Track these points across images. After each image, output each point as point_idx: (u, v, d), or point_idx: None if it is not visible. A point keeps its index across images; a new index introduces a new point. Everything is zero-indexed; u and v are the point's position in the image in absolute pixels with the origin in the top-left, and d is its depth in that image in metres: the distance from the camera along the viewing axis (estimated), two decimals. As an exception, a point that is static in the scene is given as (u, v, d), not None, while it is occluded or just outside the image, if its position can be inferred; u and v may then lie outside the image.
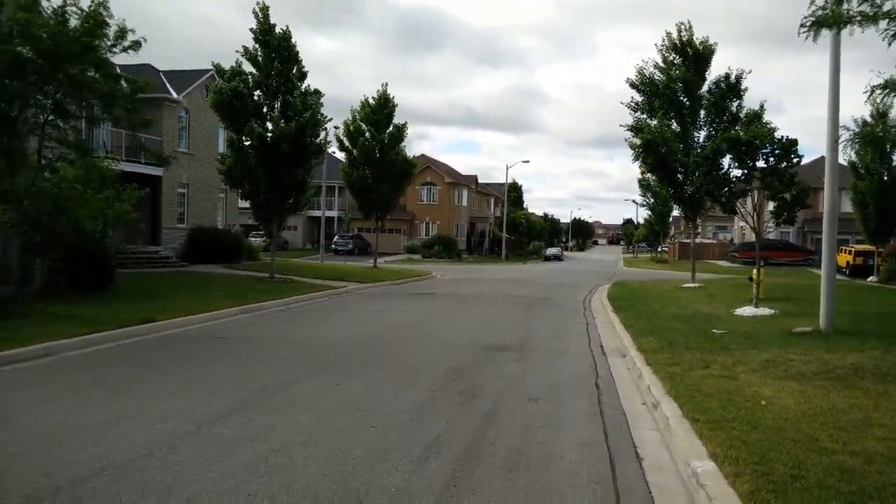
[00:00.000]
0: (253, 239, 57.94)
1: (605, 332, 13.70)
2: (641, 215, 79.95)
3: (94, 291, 15.78)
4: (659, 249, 69.49)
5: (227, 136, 23.21)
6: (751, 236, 58.70)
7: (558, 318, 15.61)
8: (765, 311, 15.14)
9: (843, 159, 34.85)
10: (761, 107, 22.26)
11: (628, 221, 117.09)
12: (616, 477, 5.11)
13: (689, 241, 70.94)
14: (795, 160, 15.24)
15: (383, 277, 27.48)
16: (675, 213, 63.71)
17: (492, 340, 11.73)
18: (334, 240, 55.37)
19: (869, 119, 32.41)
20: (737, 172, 15.21)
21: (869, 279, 34.80)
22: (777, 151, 14.95)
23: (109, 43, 14.65)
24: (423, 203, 62.02)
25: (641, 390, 8.25)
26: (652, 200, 57.40)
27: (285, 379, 8.08)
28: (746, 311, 15.26)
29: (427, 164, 63.27)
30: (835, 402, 7.04)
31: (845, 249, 43.14)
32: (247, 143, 21.91)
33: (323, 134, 22.59)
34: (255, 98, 22.18)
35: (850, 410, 6.67)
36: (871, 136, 12.81)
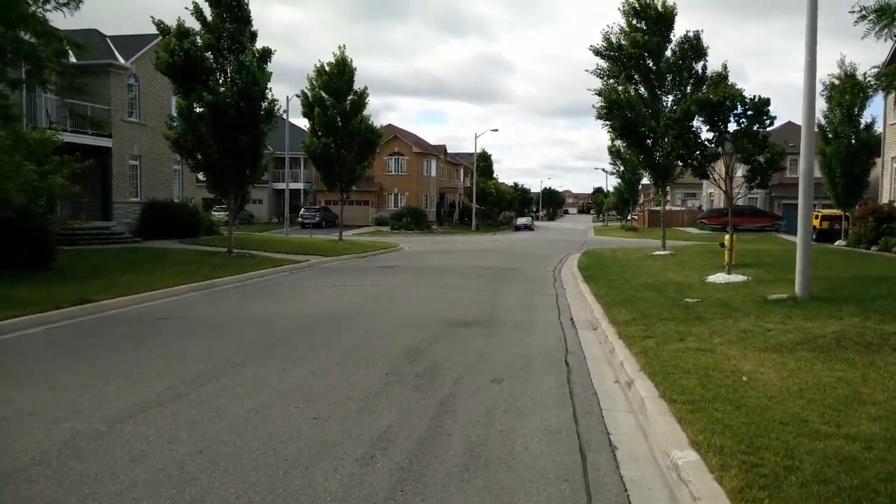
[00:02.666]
0: (216, 213, 56.33)
1: (575, 303, 13.16)
2: (611, 183, 79.91)
3: (32, 270, 14.72)
4: (629, 218, 69.53)
5: (176, 102, 21.88)
6: (719, 203, 58.94)
7: (527, 290, 15.03)
8: (737, 277, 14.74)
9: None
10: (724, 68, 21.83)
11: (598, 190, 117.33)
12: (587, 471, 4.49)
13: (658, 208, 71.12)
14: (768, 122, 14.73)
15: (348, 251, 26.64)
16: (645, 180, 63.70)
17: (457, 315, 11.07)
18: (301, 213, 54.16)
19: (836, 80, 32.43)
20: (708, 135, 14.62)
21: (836, 243, 34.97)
22: (749, 113, 14.40)
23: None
24: (391, 174, 60.87)
25: (614, 367, 7.68)
26: (621, 168, 57.05)
27: (225, 364, 7.32)
28: (719, 278, 14.84)
29: (394, 133, 61.99)
30: (820, 375, 6.53)
31: (812, 214, 43.47)
32: (197, 110, 20.70)
33: (270, 95, 21.38)
34: (206, 61, 20.92)
35: (838, 385, 6.16)
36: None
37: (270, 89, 22.02)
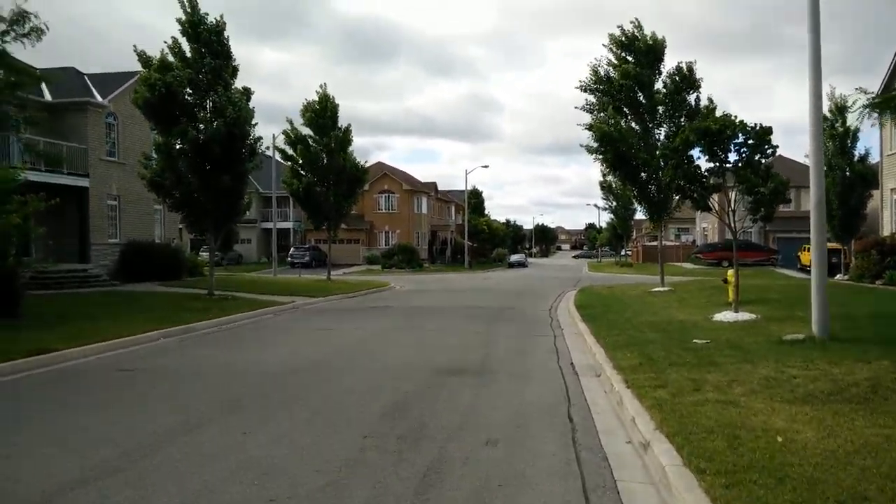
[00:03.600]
0: (203, 254, 55.42)
1: (574, 345, 12.25)
2: (604, 219, 79.61)
3: (-7, 318, 13.72)
4: (622, 253, 68.96)
5: (153, 139, 21.16)
6: (713, 237, 58.49)
7: (523, 332, 14.13)
8: (745, 315, 13.90)
9: (804, 157, 34.44)
10: (710, 101, 21.35)
11: (591, 226, 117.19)
12: (606, 574, 3.56)
13: (652, 243, 70.65)
14: (770, 151, 14.08)
15: (336, 291, 25.69)
16: (639, 215, 63.29)
17: (446, 362, 10.14)
18: (290, 252, 53.26)
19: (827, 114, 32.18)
20: (707, 166, 13.94)
21: (836, 277, 34.31)
22: (750, 142, 13.75)
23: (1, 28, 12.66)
24: (381, 212, 60.24)
25: (624, 423, 6.75)
26: (614, 203, 56.74)
27: (179, 427, 6.35)
28: (725, 316, 13.99)
29: (384, 171, 61.63)
30: (864, 434, 5.63)
31: (807, 248, 42.93)
32: (177, 147, 19.98)
33: (254, 133, 20.75)
34: (187, 96, 20.31)
35: (890, 446, 5.26)
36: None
37: (256, 124, 21.42)
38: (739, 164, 13.84)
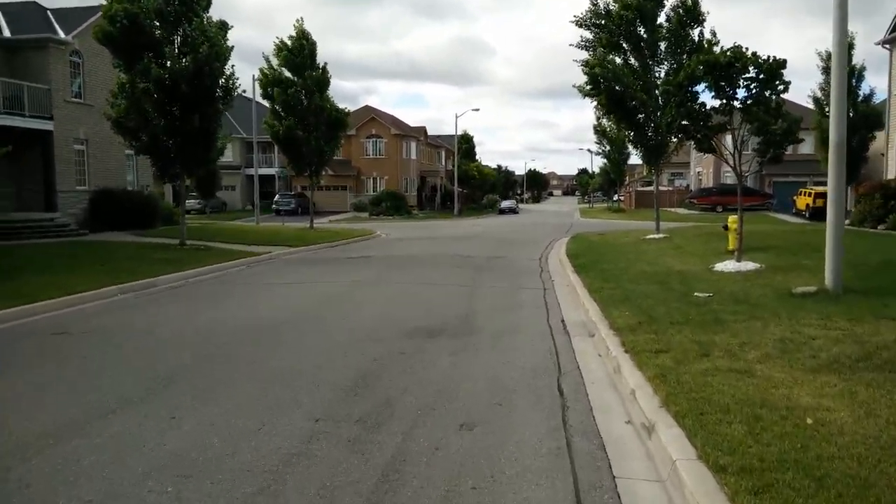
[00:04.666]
0: (187, 202, 54.10)
1: (566, 299, 11.32)
2: (597, 164, 78.29)
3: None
4: (615, 199, 67.86)
5: (116, 77, 19.65)
6: (707, 182, 57.37)
7: (510, 283, 13.18)
8: (748, 265, 12.97)
9: (808, 97, 33.05)
10: (713, 34, 19.83)
11: (583, 171, 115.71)
12: None
13: (645, 188, 69.50)
14: (781, 87, 12.89)
15: (318, 240, 24.62)
16: (633, 160, 61.98)
17: (423, 320, 9.19)
18: (275, 199, 51.90)
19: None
20: (714, 103, 12.75)
21: (833, 222, 33.47)
22: (761, 76, 12.54)
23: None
24: (368, 157, 58.56)
25: (623, 396, 5.84)
26: (608, 148, 55.28)
27: (96, 410, 5.38)
28: (727, 265, 13.06)
29: (371, 115, 59.69)
30: (910, 412, 4.73)
31: (804, 192, 41.94)
32: (141, 86, 18.52)
33: (229, 71, 19.29)
34: (154, 30, 18.73)
35: (946, 431, 4.36)
36: None
37: (233, 66, 19.88)
38: (748, 101, 12.67)
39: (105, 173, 25.78)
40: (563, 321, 9.31)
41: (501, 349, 7.53)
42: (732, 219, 16.48)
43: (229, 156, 57.97)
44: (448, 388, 5.97)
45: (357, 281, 13.53)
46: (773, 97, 12.80)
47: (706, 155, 60.63)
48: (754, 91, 12.69)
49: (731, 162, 12.91)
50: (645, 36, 21.81)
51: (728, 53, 12.27)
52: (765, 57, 12.37)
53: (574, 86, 22.29)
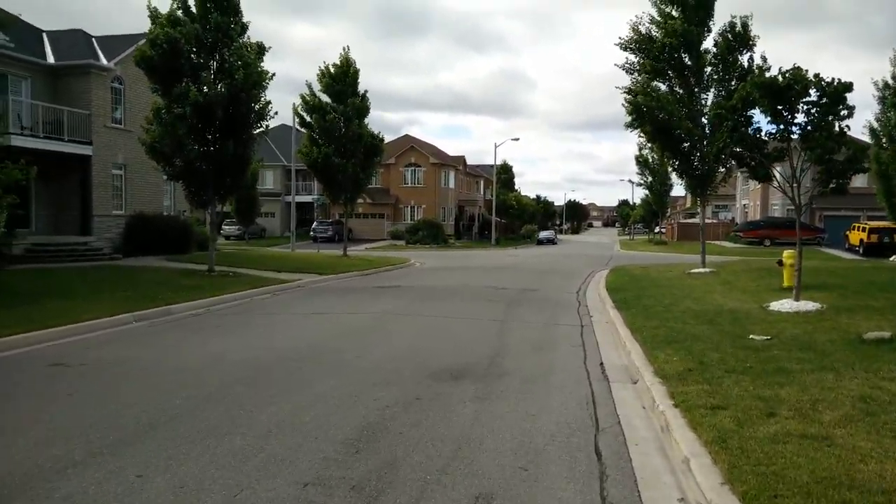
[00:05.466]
0: (226, 227, 54.57)
1: (605, 338, 10.38)
2: (638, 195, 76.73)
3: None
4: (656, 231, 66.14)
5: (152, 102, 19.61)
6: (754, 215, 55.40)
7: (545, 319, 12.28)
8: (807, 304, 11.83)
9: (862, 130, 31.55)
10: (763, 59, 18.69)
11: (624, 202, 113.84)
12: None
13: (689, 220, 67.66)
14: (845, 112, 11.86)
15: (351, 268, 24.08)
16: (675, 191, 60.46)
17: (447, 359, 8.37)
18: (313, 226, 51.86)
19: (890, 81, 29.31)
20: (770, 128, 11.78)
21: (892, 258, 31.58)
22: (823, 101, 11.55)
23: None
24: (407, 186, 58.38)
25: (673, 463, 4.92)
26: (650, 179, 54.07)
27: (62, 459, 4.70)
28: (784, 305, 11.94)
29: (411, 144, 59.68)
30: None
31: (858, 227, 39.94)
32: (177, 111, 18.41)
33: (264, 98, 19.05)
34: (192, 55, 18.67)
35: None
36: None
37: (266, 85, 19.59)
38: (808, 127, 11.66)
39: (142, 198, 25.83)
40: (601, 364, 8.39)
41: (532, 396, 6.66)
42: (788, 253, 15.32)
43: (269, 183, 58.65)
44: (466, 446, 5.14)
45: (383, 312, 12.81)
46: (836, 123, 11.76)
47: (753, 187, 58.73)
48: (815, 116, 11.68)
49: (790, 192, 11.86)
50: (689, 63, 20.92)
51: (787, 75, 11.32)
52: (828, 79, 11.38)
53: (623, 105, 21.39)
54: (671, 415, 5.70)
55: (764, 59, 19.01)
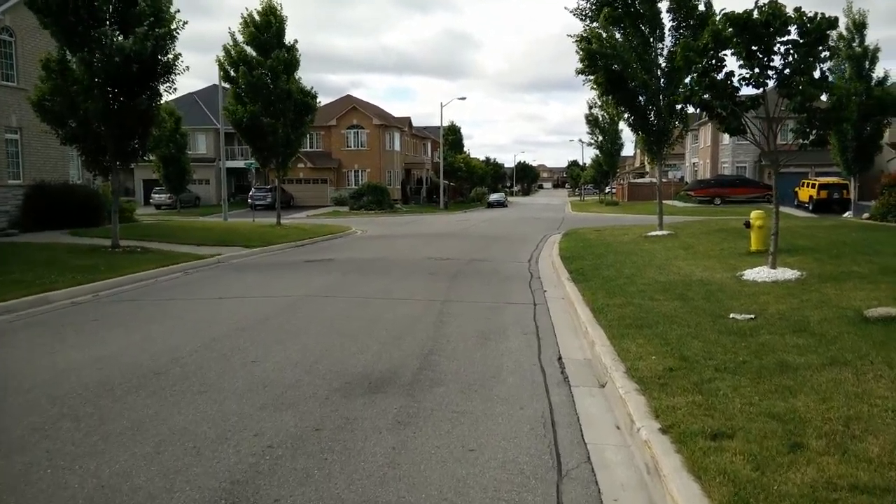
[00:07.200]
0: (156, 196, 51.14)
1: (562, 320, 8.83)
2: (588, 155, 75.89)
3: None
4: (607, 192, 65.44)
5: (44, 56, 16.92)
6: (704, 173, 55.07)
7: (493, 298, 10.66)
8: (786, 272, 10.51)
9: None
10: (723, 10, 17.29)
11: (573, 163, 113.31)
12: None
13: (638, 181, 67.19)
14: (826, 54, 10.43)
15: (282, 238, 22.01)
16: (625, 151, 59.69)
17: (368, 360, 6.65)
18: (251, 193, 48.95)
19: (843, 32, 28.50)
20: (744, 73, 10.23)
21: (845, 215, 31.19)
22: (804, 40, 10.04)
23: None
24: (350, 149, 55.76)
25: (674, 542, 3.33)
26: (600, 138, 52.90)
27: None
28: (760, 273, 10.60)
29: (352, 104, 56.92)
30: None
31: (807, 183, 39.68)
32: (75, 65, 15.86)
33: (172, 50, 16.59)
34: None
35: None
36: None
37: (176, 35, 16.91)
38: (786, 71, 10.17)
39: (43, 166, 22.99)
40: (559, 359, 6.81)
41: (471, 417, 5.01)
42: (756, 214, 14.07)
43: (202, 148, 55.23)
44: (369, 520, 3.44)
45: (302, 296, 10.94)
46: (818, 65, 10.30)
47: (703, 144, 58.25)
48: (793, 58, 10.18)
49: (766, 146, 10.42)
50: (641, 10, 19.30)
51: (764, 9, 9.75)
52: (810, 13, 9.87)
53: (577, 72, 19.66)
54: (659, 448, 4.12)
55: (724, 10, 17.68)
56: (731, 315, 7.90)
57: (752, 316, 7.81)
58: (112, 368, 6.43)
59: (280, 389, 5.71)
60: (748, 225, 13.98)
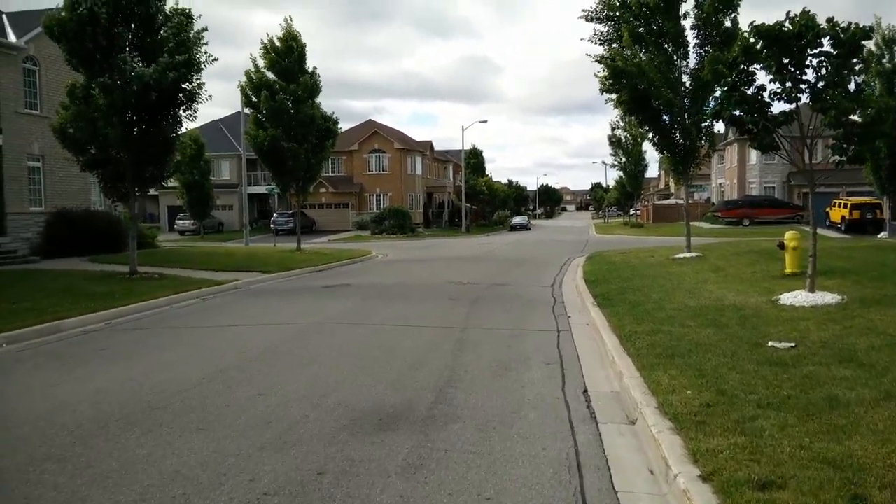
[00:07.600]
0: (180, 222, 51.58)
1: (588, 348, 8.35)
2: (611, 177, 75.26)
3: None
4: (631, 213, 64.62)
5: (69, 81, 17.04)
6: (731, 194, 54.04)
7: (514, 324, 10.21)
8: (825, 296, 9.92)
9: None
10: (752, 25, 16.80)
11: (597, 185, 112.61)
12: None
13: (663, 202, 66.30)
14: (860, 66, 9.94)
15: (302, 263, 21.79)
16: (649, 173, 59.00)
17: (379, 394, 6.25)
18: (273, 218, 49.19)
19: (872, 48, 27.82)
20: (775, 87, 9.79)
21: (880, 235, 30.22)
22: (836, 52, 9.58)
23: None
24: (371, 173, 55.88)
25: None
26: (623, 159, 52.35)
27: None
28: (797, 297, 10.02)
29: (374, 129, 57.17)
30: None
31: (839, 203, 38.68)
32: (98, 92, 15.92)
33: (196, 79, 16.55)
34: (114, 26, 16.00)
35: None
36: None
37: (205, 60, 16.85)
38: (819, 84, 9.70)
39: (65, 193, 23.16)
40: (585, 392, 6.34)
41: (489, 459, 4.57)
42: (790, 235, 13.47)
43: (225, 174, 55.77)
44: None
45: (316, 322, 10.59)
46: (852, 77, 9.81)
47: (730, 165, 57.34)
48: (825, 71, 9.71)
49: (801, 162, 9.91)
50: (664, 28, 18.91)
51: (797, 20, 9.32)
52: (843, 24, 9.41)
53: (600, 90, 19.26)
54: (701, 500, 3.64)
55: (752, 24, 17.20)
56: (770, 343, 7.37)
57: (793, 344, 7.27)
58: (111, 403, 6.11)
59: (284, 426, 5.32)
60: (782, 246, 13.38)
